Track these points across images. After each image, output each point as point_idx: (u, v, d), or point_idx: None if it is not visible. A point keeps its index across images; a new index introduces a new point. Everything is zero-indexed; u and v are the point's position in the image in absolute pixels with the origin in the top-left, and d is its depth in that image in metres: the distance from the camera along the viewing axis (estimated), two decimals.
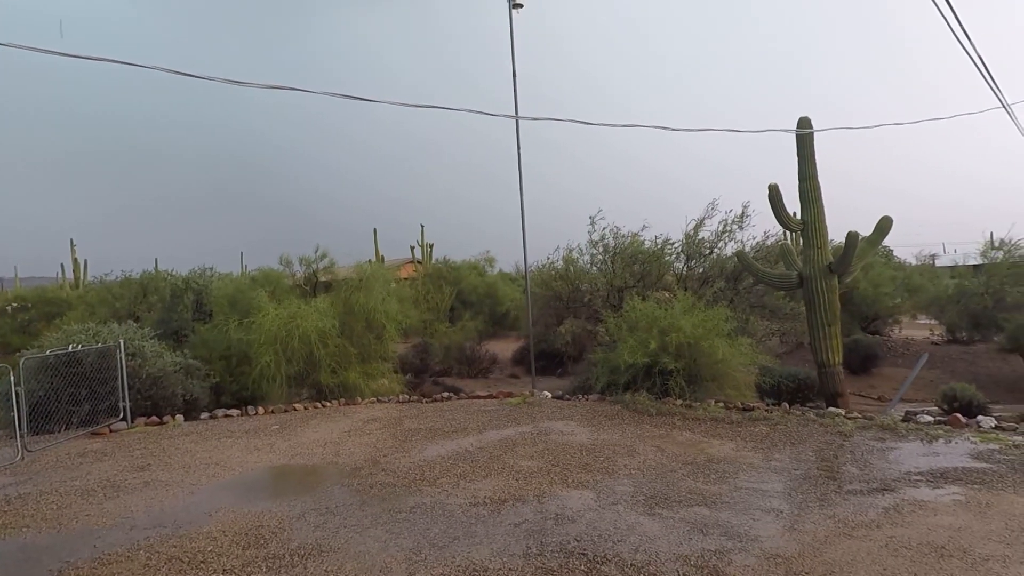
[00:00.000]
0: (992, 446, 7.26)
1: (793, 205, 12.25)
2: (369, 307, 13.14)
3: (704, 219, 15.03)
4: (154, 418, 10.19)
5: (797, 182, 12.01)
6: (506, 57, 13.66)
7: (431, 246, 32.10)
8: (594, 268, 15.58)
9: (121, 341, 10.11)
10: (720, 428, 8.67)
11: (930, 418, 8.78)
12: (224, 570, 4.54)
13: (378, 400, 11.86)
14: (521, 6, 13.88)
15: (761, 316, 14.55)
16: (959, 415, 8.81)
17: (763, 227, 20.17)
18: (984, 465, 6.56)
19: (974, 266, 23.28)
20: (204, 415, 10.65)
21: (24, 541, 5.28)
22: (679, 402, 9.90)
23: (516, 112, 13.20)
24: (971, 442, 7.50)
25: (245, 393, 11.98)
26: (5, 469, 7.60)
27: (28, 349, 10.29)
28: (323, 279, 20.17)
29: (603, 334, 12.01)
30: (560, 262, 16.05)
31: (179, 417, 10.32)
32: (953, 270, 25.34)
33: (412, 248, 33.36)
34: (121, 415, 9.89)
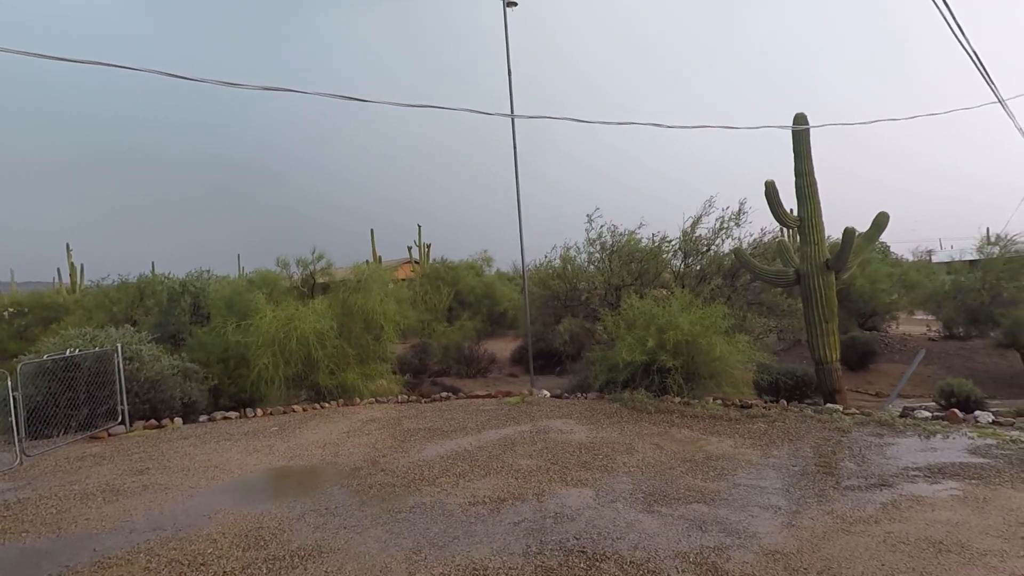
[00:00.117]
0: (989, 441, 7.29)
1: (790, 202, 12.28)
2: (367, 308, 13.13)
3: (701, 216, 15.06)
4: (152, 421, 10.17)
5: (794, 178, 12.03)
6: (504, 57, 13.68)
7: (428, 246, 32.13)
8: (592, 267, 15.60)
9: (118, 345, 10.10)
10: (718, 425, 8.69)
11: (927, 414, 8.80)
12: (224, 572, 4.54)
13: (377, 401, 11.86)
14: (515, 4, 13.89)
15: (758, 313, 14.58)
16: (956, 410, 8.84)
17: (760, 224, 20.26)
18: (981, 460, 6.58)
19: (970, 262, 23.36)
20: (203, 418, 10.63)
21: (23, 546, 5.27)
22: (677, 400, 9.92)
23: (512, 110, 13.21)
24: (968, 437, 7.52)
25: (243, 395, 11.98)
26: (3, 474, 7.58)
27: (25, 354, 10.27)
28: (321, 280, 20.15)
29: (601, 332, 12.03)
30: (558, 261, 16.08)
31: (178, 420, 10.31)
32: (949, 266, 25.40)
33: (409, 248, 33.38)
34: (119, 419, 9.88)
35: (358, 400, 11.82)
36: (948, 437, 7.58)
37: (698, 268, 15.26)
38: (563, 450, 7.61)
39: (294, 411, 10.98)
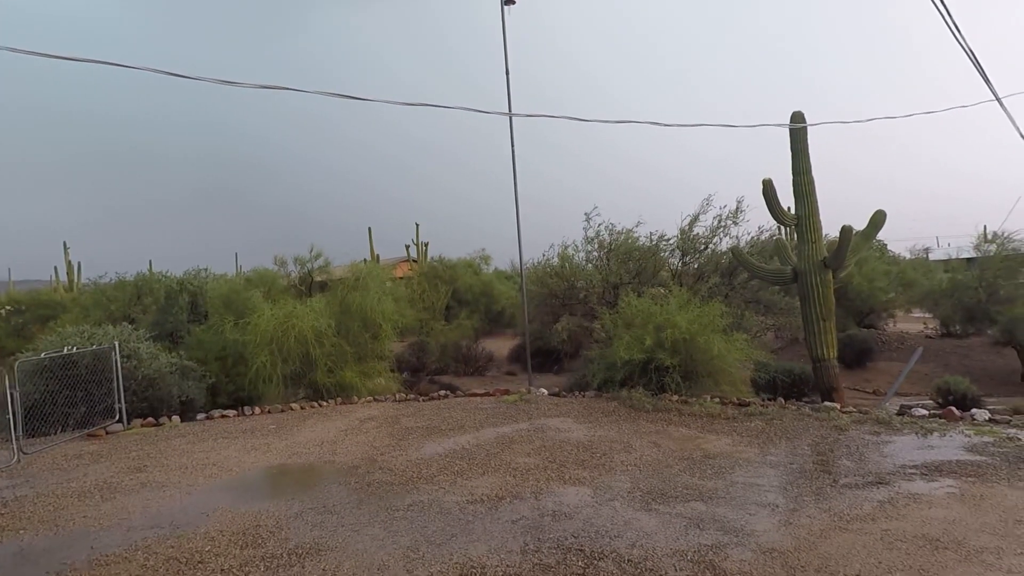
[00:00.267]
0: (986, 439, 7.31)
1: (788, 200, 12.28)
2: (365, 306, 13.12)
3: (699, 215, 15.05)
4: (150, 419, 10.16)
5: (791, 177, 12.03)
6: (503, 56, 13.68)
7: (426, 245, 32.13)
8: (590, 265, 15.59)
9: (116, 343, 10.08)
10: (716, 423, 8.71)
11: (925, 412, 8.83)
12: (222, 570, 4.54)
13: (375, 399, 11.86)
14: (513, 2, 13.87)
15: (756, 311, 14.59)
16: (953, 408, 8.87)
17: (758, 222, 20.25)
18: (978, 458, 6.60)
19: (967, 260, 23.41)
20: (200, 416, 10.63)
21: (21, 543, 5.27)
22: (675, 398, 9.93)
23: (509, 109, 13.21)
24: (965, 435, 7.55)
25: (241, 393, 11.98)
26: (1, 472, 7.57)
27: (23, 352, 10.25)
28: (319, 279, 20.21)
29: (599, 331, 12.04)
30: (556, 259, 16.06)
31: (175, 418, 10.31)
32: (947, 264, 25.45)
33: (407, 247, 33.37)
34: (117, 417, 9.87)
35: (356, 398, 11.82)
36: (945, 435, 7.60)
37: (696, 266, 15.26)
38: (561, 448, 7.61)
39: (292, 409, 10.98)
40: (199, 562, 4.69)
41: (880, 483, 5.92)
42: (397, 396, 12.11)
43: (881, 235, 13.93)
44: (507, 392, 11.85)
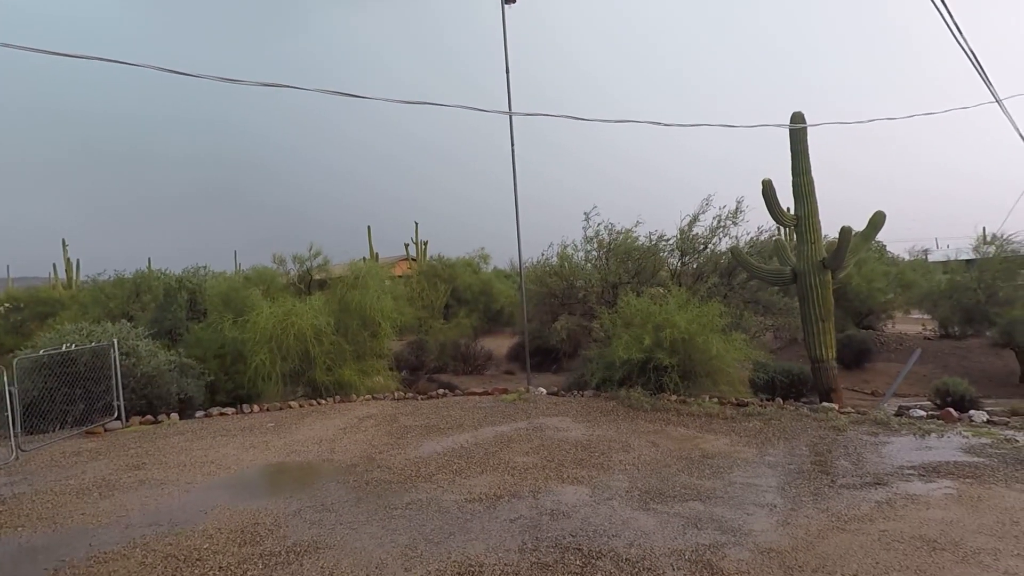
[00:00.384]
0: (984, 440, 7.32)
1: (787, 200, 12.29)
2: (364, 305, 13.11)
3: (698, 215, 15.04)
4: (149, 417, 10.17)
5: (791, 177, 12.04)
6: (503, 55, 13.67)
7: (426, 243, 32.11)
8: (589, 264, 15.59)
9: (115, 340, 10.08)
10: (715, 423, 8.71)
11: (923, 413, 8.84)
12: (220, 567, 4.54)
13: (373, 397, 11.86)
14: (513, 1, 13.86)
15: (755, 312, 14.59)
16: (951, 410, 8.87)
17: (757, 222, 20.25)
18: (976, 459, 6.61)
19: (966, 261, 23.39)
20: (199, 413, 10.63)
21: (20, 540, 5.27)
22: (674, 398, 9.94)
23: (509, 107, 13.20)
24: (963, 436, 7.56)
25: (240, 391, 11.98)
26: (0, 469, 7.59)
27: (21, 350, 10.25)
28: (318, 277, 20.18)
29: (598, 330, 12.03)
30: (555, 258, 16.06)
31: (174, 416, 10.31)
32: (946, 265, 25.40)
33: (407, 245, 33.38)
34: (116, 414, 9.87)
35: (355, 397, 11.82)
36: (943, 436, 7.61)
37: (695, 266, 15.26)
38: (559, 447, 7.62)
39: (290, 407, 10.98)
40: (197, 559, 4.69)
41: (878, 484, 5.93)
42: (396, 394, 12.11)
43: (880, 236, 13.94)
44: (506, 391, 11.85)
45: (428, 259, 29.18)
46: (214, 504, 5.98)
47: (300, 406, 11.10)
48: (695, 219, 15.03)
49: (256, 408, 10.85)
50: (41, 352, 9.47)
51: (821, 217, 11.84)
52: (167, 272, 19.65)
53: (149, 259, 25.97)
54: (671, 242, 15.13)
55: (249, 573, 4.44)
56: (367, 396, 11.93)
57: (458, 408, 10.39)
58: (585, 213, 15.30)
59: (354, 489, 6.30)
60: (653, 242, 15.07)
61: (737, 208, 14.80)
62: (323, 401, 11.47)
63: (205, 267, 19.95)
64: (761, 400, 10.39)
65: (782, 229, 15.32)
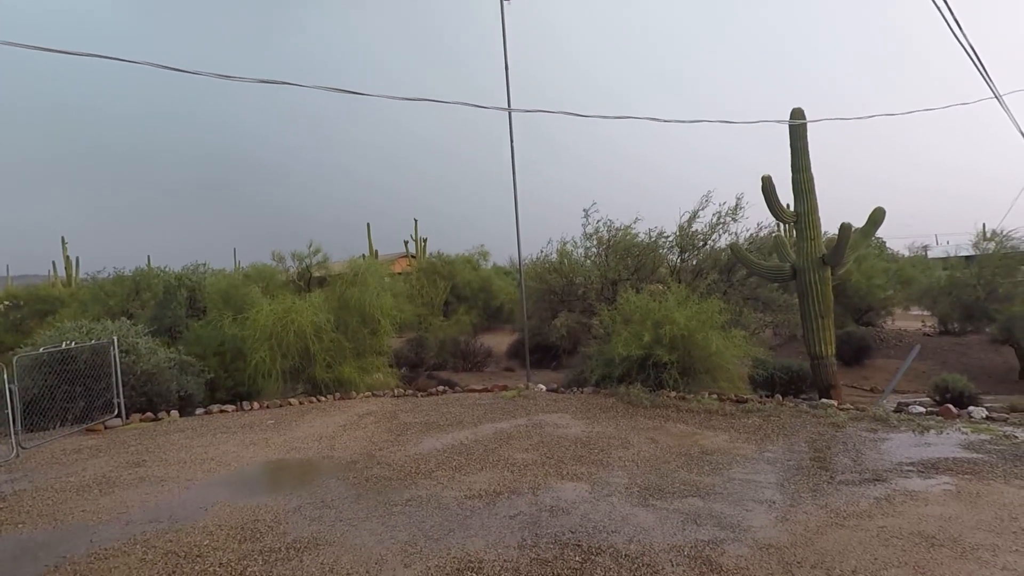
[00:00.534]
0: (983, 436, 7.33)
1: (787, 197, 12.27)
2: (364, 302, 13.11)
3: (698, 211, 15.01)
4: (149, 414, 10.17)
5: (790, 174, 12.03)
6: (502, 53, 13.64)
7: (425, 240, 32.10)
8: (588, 261, 15.59)
9: (115, 338, 10.08)
10: (714, 420, 8.72)
11: (922, 409, 8.85)
12: (220, 564, 4.55)
13: (373, 394, 11.87)
14: None
15: (754, 308, 14.58)
16: (950, 406, 8.88)
17: (757, 219, 20.24)
18: (975, 455, 6.62)
19: (966, 257, 23.42)
20: (199, 411, 10.64)
21: (20, 537, 5.28)
22: (673, 394, 9.95)
23: (508, 104, 13.18)
24: (962, 433, 7.57)
25: (240, 388, 11.98)
26: (0, 466, 7.59)
27: (21, 347, 10.25)
28: (317, 274, 20.16)
29: (597, 327, 12.03)
30: (554, 255, 16.05)
31: (174, 413, 10.32)
32: (945, 261, 25.47)
33: (406, 242, 33.38)
34: (116, 411, 9.87)
35: (354, 394, 11.83)
36: (942, 432, 7.62)
37: (694, 263, 15.25)
38: (559, 444, 7.63)
39: (290, 404, 10.99)
40: (197, 556, 4.70)
41: (877, 480, 5.94)
42: (395, 391, 12.12)
43: (880, 233, 13.92)
44: (505, 388, 11.86)
45: (428, 256, 29.18)
46: (214, 501, 5.99)
47: (300, 403, 11.11)
48: (695, 216, 15.02)
49: (256, 405, 10.86)
50: (41, 350, 9.47)
51: (821, 214, 11.83)
52: (167, 270, 19.65)
53: (148, 257, 26.04)
54: (671, 239, 15.12)
55: (249, 569, 4.45)
56: (367, 393, 11.94)
57: (458, 405, 10.40)
58: (584, 210, 15.31)
59: (354, 486, 6.31)
60: (653, 239, 15.06)
61: (737, 205, 14.78)
62: (323, 398, 11.49)
63: (204, 265, 19.97)
64: (760, 397, 10.40)
65: (782, 225, 15.31)
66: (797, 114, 11.97)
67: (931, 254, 33.50)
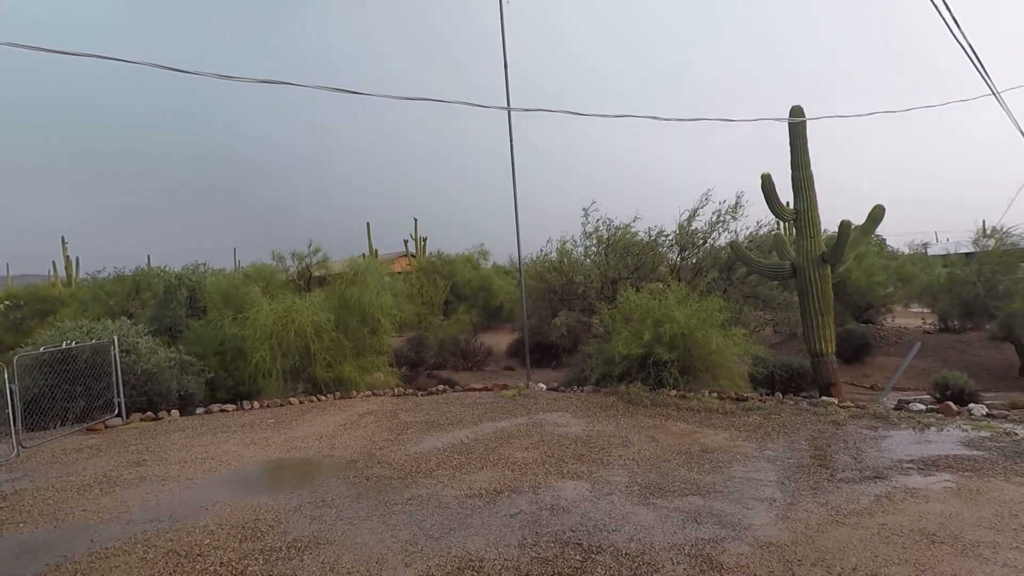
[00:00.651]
0: (983, 434, 7.34)
1: (786, 194, 12.27)
2: (363, 301, 13.11)
3: (698, 209, 15.01)
4: (149, 413, 10.18)
5: (790, 172, 12.02)
6: (501, 53, 13.64)
7: (425, 240, 32.06)
8: (588, 260, 15.59)
9: (115, 337, 10.08)
10: (714, 418, 8.72)
11: (922, 406, 8.85)
12: (221, 563, 4.55)
13: (373, 393, 11.87)
14: None
15: (754, 306, 14.59)
16: (951, 403, 8.89)
17: (756, 217, 20.22)
18: (975, 453, 6.62)
19: (966, 254, 23.40)
20: (199, 410, 10.64)
21: (21, 536, 5.28)
22: (673, 393, 9.95)
23: (508, 103, 13.18)
24: (962, 430, 7.57)
25: (240, 388, 11.98)
26: (1, 466, 7.59)
27: (21, 347, 10.25)
28: (317, 274, 20.16)
29: (597, 326, 12.04)
30: (554, 254, 16.06)
31: (174, 412, 10.32)
32: (945, 259, 25.45)
33: (406, 242, 33.34)
34: (116, 411, 9.88)
35: (355, 393, 11.83)
36: (942, 430, 7.62)
37: (694, 261, 15.25)
38: (559, 443, 7.63)
39: (291, 404, 11.00)
40: (198, 555, 4.70)
41: (877, 478, 5.94)
42: (395, 391, 12.13)
43: (880, 230, 13.94)
44: (505, 387, 11.86)
45: (427, 255, 29.16)
46: (215, 500, 6.00)
47: (300, 402, 11.11)
48: (694, 214, 15.02)
49: (256, 404, 10.87)
50: (41, 349, 9.47)
51: (820, 211, 11.83)
52: (167, 269, 19.63)
53: (148, 256, 26.02)
54: (670, 237, 15.12)
55: (250, 569, 4.45)
56: (367, 392, 11.94)
57: (458, 404, 10.40)
58: (584, 208, 15.31)
59: (354, 485, 6.31)
60: (652, 237, 15.06)
61: (736, 203, 14.78)
62: (323, 397, 11.49)
63: (205, 264, 19.94)
64: (761, 395, 10.40)
65: (781, 223, 15.31)
66: (796, 112, 11.96)
67: (931, 251, 33.48)
